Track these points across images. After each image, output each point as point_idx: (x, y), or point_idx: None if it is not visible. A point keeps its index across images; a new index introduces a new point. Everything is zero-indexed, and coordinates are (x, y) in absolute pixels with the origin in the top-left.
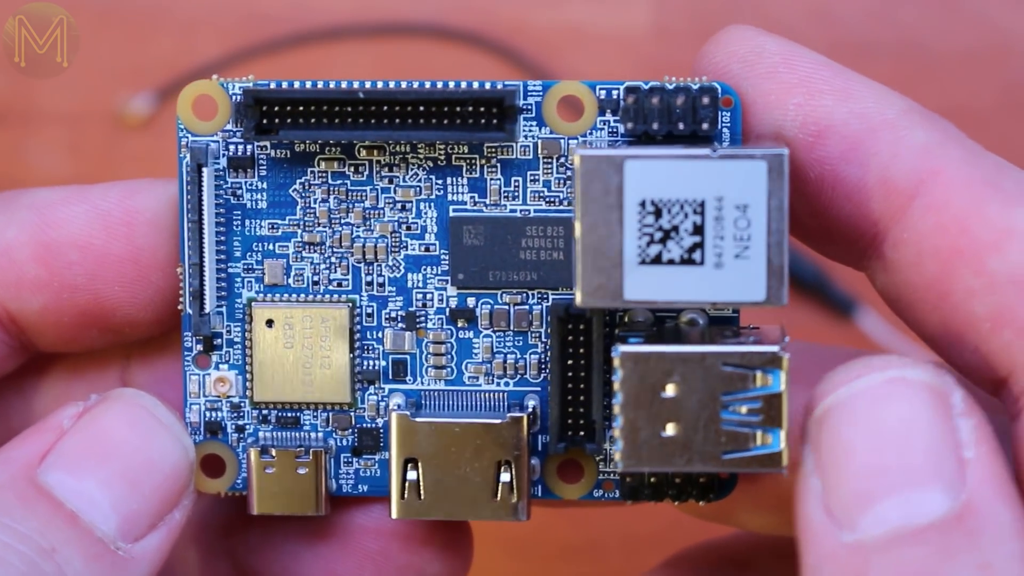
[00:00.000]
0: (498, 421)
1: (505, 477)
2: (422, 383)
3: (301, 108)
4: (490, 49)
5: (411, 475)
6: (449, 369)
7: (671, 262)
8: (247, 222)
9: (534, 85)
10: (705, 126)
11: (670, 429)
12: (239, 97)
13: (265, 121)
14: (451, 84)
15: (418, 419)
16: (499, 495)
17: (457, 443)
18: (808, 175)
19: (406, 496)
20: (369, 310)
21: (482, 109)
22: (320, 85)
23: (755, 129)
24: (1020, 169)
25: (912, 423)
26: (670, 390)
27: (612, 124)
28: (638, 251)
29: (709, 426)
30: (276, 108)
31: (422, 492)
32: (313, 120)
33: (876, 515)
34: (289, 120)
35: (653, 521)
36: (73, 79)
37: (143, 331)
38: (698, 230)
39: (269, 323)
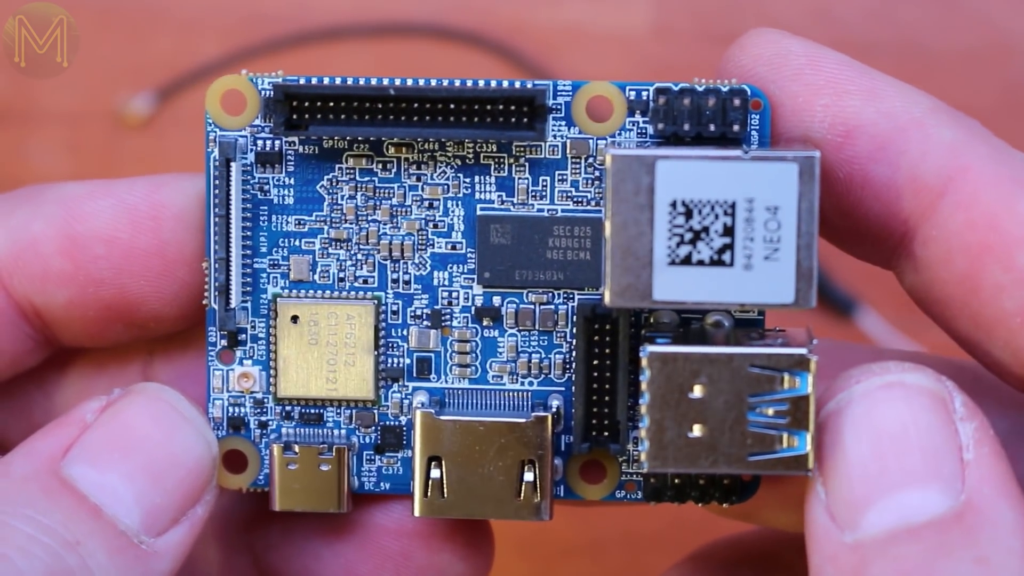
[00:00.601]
0: (523, 420)
1: (529, 476)
2: (446, 381)
3: (331, 104)
4: (490, 49)
5: (435, 473)
6: (473, 368)
7: (701, 263)
8: (274, 217)
9: (563, 85)
10: (736, 128)
11: (696, 430)
12: (269, 92)
13: (295, 116)
14: (481, 83)
15: (443, 417)
16: (522, 494)
17: (481, 442)
18: (837, 175)
19: (429, 494)
20: (395, 307)
21: (512, 108)
22: (350, 81)
23: (782, 131)
24: None
25: (910, 426)
26: (697, 391)
27: (641, 125)
28: (668, 251)
29: (735, 428)
30: (306, 104)
31: (445, 490)
32: (343, 116)
33: (875, 515)
34: (319, 116)
35: (654, 521)
36: (73, 79)
37: (167, 326)
38: (728, 231)
39: (294, 319)
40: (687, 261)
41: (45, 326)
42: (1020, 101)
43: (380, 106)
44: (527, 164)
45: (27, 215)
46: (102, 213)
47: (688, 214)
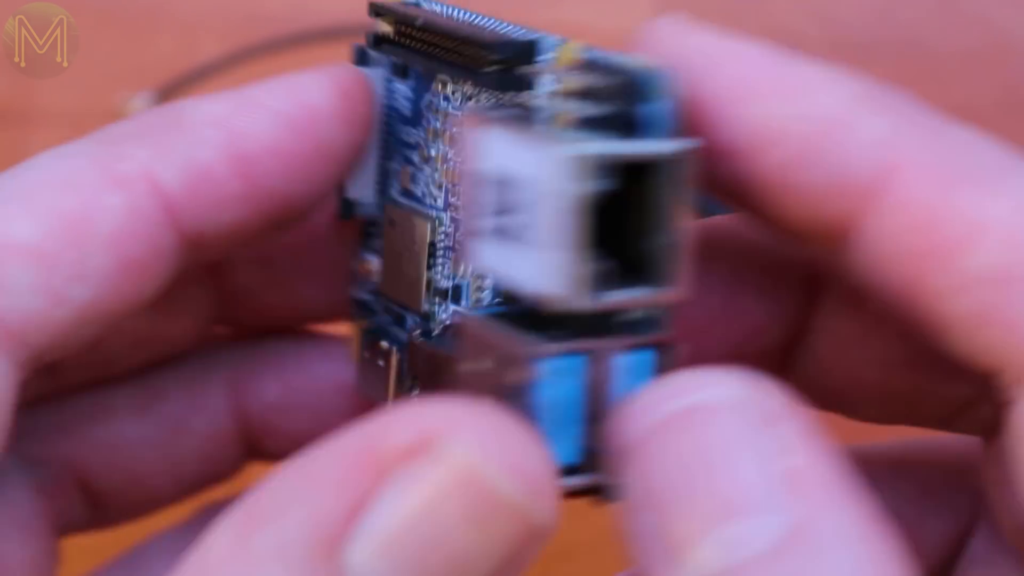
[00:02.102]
0: None
1: None
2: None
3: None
4: None
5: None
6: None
7: (506, 239)
8: (399, 127)
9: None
10: (627, 113)
11: None
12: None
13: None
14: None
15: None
16: None
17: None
18: (759, 182)
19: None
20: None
21: None
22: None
23: (692, 133)
24: (992, 143)
25: (719, 454)
26: None
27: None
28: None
29: None
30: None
31: None
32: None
33: (698, 561)
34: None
35: None
36: (73, 79)
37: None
38: (523, 211)
39: (391, 223)
40: (494, 236)
41: (198, 251)
42: (1020, 101)
43: None
44: None
45: (189, 145)
46: (260, 125)
47: (500, 189)
